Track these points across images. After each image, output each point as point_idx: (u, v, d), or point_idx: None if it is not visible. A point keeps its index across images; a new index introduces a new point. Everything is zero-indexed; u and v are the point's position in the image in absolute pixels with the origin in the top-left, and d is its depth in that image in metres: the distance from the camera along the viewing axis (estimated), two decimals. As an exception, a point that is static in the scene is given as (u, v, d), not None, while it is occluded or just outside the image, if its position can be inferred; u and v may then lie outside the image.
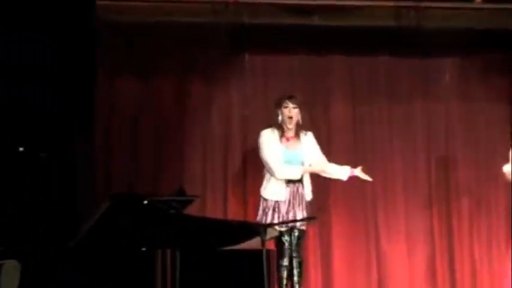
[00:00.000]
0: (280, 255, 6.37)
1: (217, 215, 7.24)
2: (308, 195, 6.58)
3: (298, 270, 6.40)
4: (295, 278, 6.39)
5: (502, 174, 6.97)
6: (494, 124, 7.89)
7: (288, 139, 6.52)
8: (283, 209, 6.42)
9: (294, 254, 6.42)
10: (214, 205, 7.51)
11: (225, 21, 7.31)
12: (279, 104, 6.54)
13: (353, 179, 6.74)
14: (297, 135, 6.54)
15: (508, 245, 7.48)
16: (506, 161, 6.98)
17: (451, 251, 7.75)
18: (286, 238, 6.40)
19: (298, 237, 6.46)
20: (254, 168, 7.19)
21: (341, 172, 6.68)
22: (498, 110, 7.88)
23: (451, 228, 7.78)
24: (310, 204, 6.59)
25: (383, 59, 7.89)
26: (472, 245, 7.78)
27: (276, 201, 6.44)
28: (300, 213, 6.45)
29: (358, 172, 6.67)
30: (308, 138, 6.62)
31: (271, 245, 5.84)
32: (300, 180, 6.51)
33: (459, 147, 7.91)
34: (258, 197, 6.70)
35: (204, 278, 4.75)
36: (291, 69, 7.80)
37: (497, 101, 7.88)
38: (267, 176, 6.53)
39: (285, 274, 6.39)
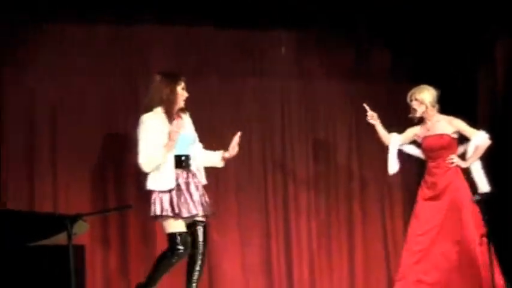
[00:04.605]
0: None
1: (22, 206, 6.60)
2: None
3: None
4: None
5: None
6: (335, 103, 7.63)
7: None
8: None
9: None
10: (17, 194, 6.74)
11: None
12: (174, 82, 5.79)
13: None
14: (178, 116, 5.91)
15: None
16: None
17: (288, 239, 7.42)
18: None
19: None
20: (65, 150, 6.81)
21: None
22: (339, 87, 7.60)
23: (288, 216, 7.48)
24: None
25: (207, 29, 7.29)
26: (310, 232, 7.51)
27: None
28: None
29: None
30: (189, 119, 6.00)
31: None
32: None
33: (296, 129, 7.59)
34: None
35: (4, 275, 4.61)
36: (98, 40, 7.03)
37: (338, 77, 7.59)
38: None
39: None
